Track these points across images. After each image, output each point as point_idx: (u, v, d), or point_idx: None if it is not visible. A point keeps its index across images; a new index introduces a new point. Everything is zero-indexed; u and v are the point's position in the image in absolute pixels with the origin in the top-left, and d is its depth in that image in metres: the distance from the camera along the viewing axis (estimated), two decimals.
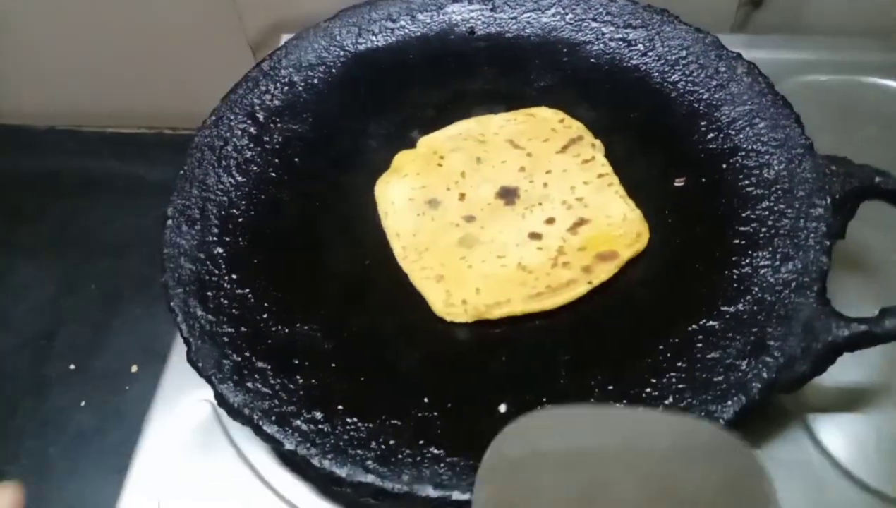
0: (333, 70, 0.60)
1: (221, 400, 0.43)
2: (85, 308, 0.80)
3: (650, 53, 0.58)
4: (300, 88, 0.59)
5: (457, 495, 0.38)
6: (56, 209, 0.88)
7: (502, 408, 0.43)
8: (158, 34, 0.84)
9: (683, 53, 0.57)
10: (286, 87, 0.59)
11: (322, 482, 0.40)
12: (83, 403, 0.73)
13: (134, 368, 0.74)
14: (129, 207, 0.86)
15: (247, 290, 0.48)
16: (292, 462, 0.45)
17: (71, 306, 0.80)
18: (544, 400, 0.42)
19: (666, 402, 0.41)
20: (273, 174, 0.55)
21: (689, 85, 0.56)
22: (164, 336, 0.72)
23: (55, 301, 0.81)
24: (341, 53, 0.61)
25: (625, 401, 0.42)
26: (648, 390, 0.42)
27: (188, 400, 0.50)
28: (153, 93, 0.91)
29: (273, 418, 0.41)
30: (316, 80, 0.60)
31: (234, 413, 0.42)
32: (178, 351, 0.53)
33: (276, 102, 0.58)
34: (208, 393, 0.47)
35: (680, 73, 0.57)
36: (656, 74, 0.57)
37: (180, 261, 0.48)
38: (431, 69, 0.60)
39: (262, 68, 0.59)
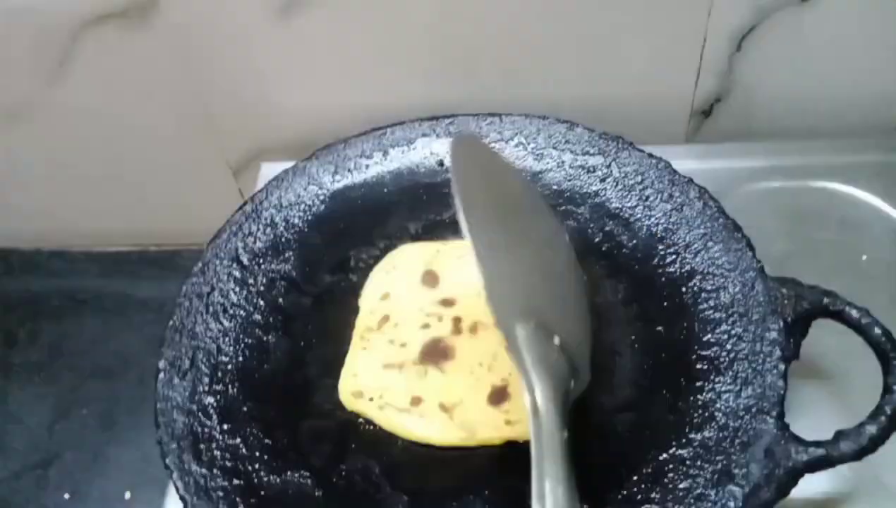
0: (312, 208, 0.64)
1: None
2: (80, 433, 0.81)
3: (608, 179, 0.62)
4: (281, 228, 0.62)
5: None
6: (46, 332, 0.90)
7: None
8: (140, 157, 0.87)
9: (639, 179, 0.61)
10: (268, 228, 0.62)
11: None
12: None
13: (127, 495, 0.75)
14: (118, 327, 0.89)
15: (238, 440, 0.50)
16: None
17: (66, 432, 0.81)
18: None
19: None
20: (258, 317, 0.57)
21: (647, 209, 0.60)
22: (156, 459, 0.74)
23: (50, 427, 0.82)
24: (319, 191, 0.64)
25: None
26: None
27: None
28: (137, 213, 0.94)
29: None
30: (296, 219, 0.63)
31: None
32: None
33: (259, 244, 0.61)
34: None
35: (636, 197, 0.60)
36: (615, 199, 0.61)
37: (173, 415, 0.51)
38: (406, 201, 0.64)
39: (245, 211, 0.62)
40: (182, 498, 0.47)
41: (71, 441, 0.80)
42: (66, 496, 0.76)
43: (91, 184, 0.91)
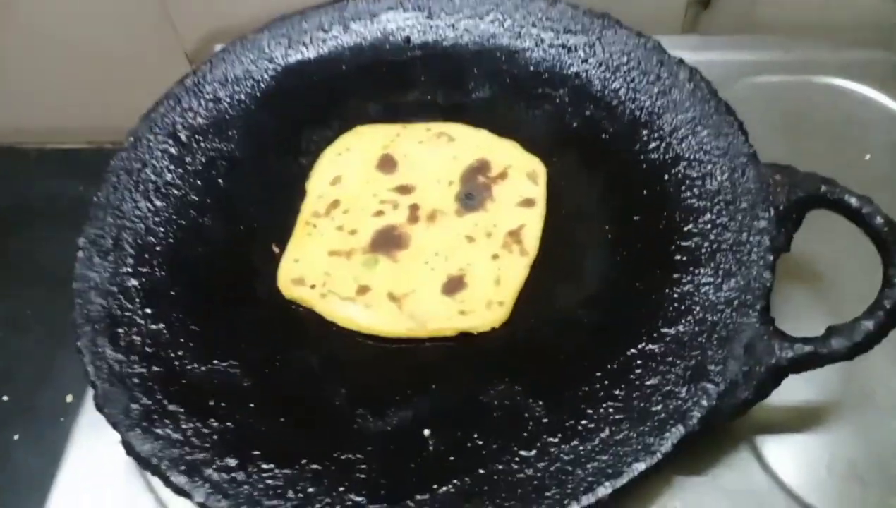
0: (262, 84, 0.57)
1: (129, 448, 0.40)
2: (28, 346, 0.77)
3: (591, 60, 0.56)
4: (226, 104, 0.56)
5: None
6: None
7: (426, 432, 0.41)
8: (93, 46, 0.80)
9: (625, 59, 0.55)
10: (211, 104, 0.56)
11: None
12: (16, 437, 0.70)
13: (69, 398, 0.71)
14: (72, 230, 0.83)
15: (161, 325, 0.45)
16: None
17: (14, 340, 0.77)
18: (475, 436, 0.40)
19: (602, 435, 0.39)
20: (195, 197, 0.52)
21: (631, 92, 0.53)
22: None
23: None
24: (269, 66, 0.58)
25: (559, 435, 0.39)
26: (584, 422, 0.40)
27: (104, 443, 0.47)
28: (92, 107, 0.87)
29: (182, 467, 0.38)
30: (243, 95, 0.57)
31: (143, 462, 0.39)
32: None
33: (200, 120, 0.55)
34: None
35: (621, 80, 0.54)
36: (597, 82, 0.55)
37: (90, 297, 0.45)
38: (366, 80, 0.58)
39: (184, 84, 0.56)
40: (92, 384, 0.42)
41: (19, 354, 0.76)
42: (5, 398, 0.72)
43: (42, 77, 0.84)
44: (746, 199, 0.46)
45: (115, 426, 0.40)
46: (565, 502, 0.36)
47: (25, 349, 0.76)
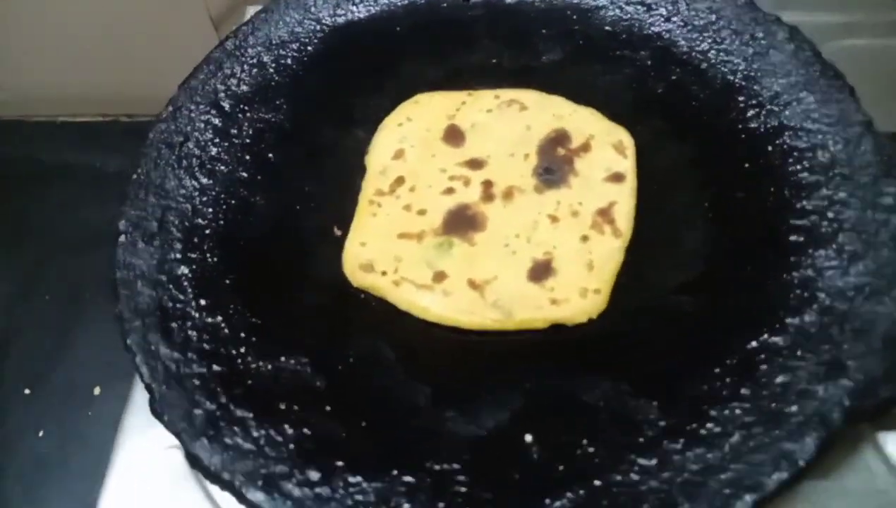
0: (309, 47, 0.52)
1: (195, 460, 0.35)
2: (43, 314, 0.72)
3: (674, 19, 0.50)
4: (271, 70, 0.51)
5: None
6: (7, 204, 0.79)
7: (528, 438, 0.36)
8: (109, 12, 0.74)
9: (713, 18, 0.49)
10: (255, 69, 0.51)
11: None
12: (41, 433, 0.65)
13: (97, 390, 0.66)
14: (88, 201, 0.78)
15: (219, 318, 0.40)
16: None
17: (27, 313, 0.72)
18: (584, 441, 0.36)
19: (731, 440, 0.34)
20: (244, 174, 0.47)
21: (722, 54, 0.48)
22: None
23: (9, 307, 0.72)
24: (317, 27, 0.52)
25: (681, 440, 0.35)
26: (710, 425, 0.35)
27: (156, 444, 0.42)
28: (106, 78, 0.81)
29: (259, 482, 0.34)
30: (289, 60, 0.51)
31: (212, 477, 0.35)
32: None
33: (244, 87, 0.50)
34: None
35: (710, 41, 0.49)
36: (683, 43, 0.50)
37: (137, 286, 0.41)
38: (423, 42, 0.52)
39: (225, 48, 0.51)
40: (148, 387, 0.37)
41: (32, 323, 0.71)
42: (27, 391, 0.67)
43: (55, 46, 0.78)
44: (866, 173, 0.41)
45: (178, 436, 0.36)
46: None
47: (39, 320, 0.71)
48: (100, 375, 0.67)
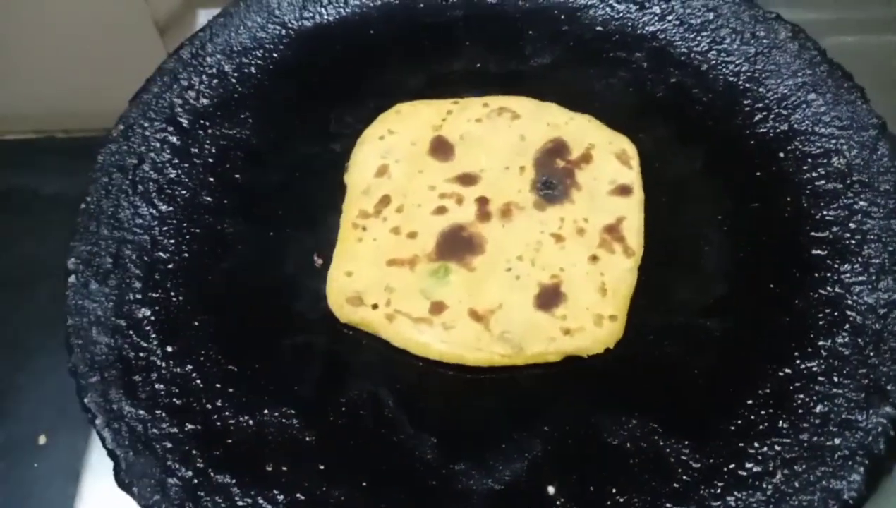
0: (275, 54, 0.47)
1: None
2: None
3: (669, 17, 0.47)
4: (233, 80, 0.46)
5: None
6: None
7: (550, 490, 0.32)
8: (41, 17, 0.68)
9: (710, 16, 0.47)
10: (215, 80, 0.45)
11: None
12: None
13: (42, 439, 0.60)
14: (24, 229, 0.71)
15: (189, 367, 0.35)
16: None
17: None
18: (613, 490, 0.32)
19: (774, 480, 0.31)
20: (208, 198, 0.42)
21: (723, 55, 0.46)
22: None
23: None
24: (283, 32, 0.48)
25: (719, 484, 0.32)
26: (749, 465, 0.32)
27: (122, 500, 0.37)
28: (39, 90, 0.74)
29: None
30: (253, 68, 0.47)
31: None
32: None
33: (204, 101, 0.45)
34: None
35: (709, 41, 0.46)
36: (680, 43, 0.47)
37: (92, 334, 0.35)
38: (400, 47, 0.48)
39: (180, 57, 0.45)
40: (111, 454, 0.32)
41: None
42: None
43: None
44: (886, 179, 0.39)
45: None
46: None
47: None
48: (45, 423, 0.61)
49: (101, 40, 0.69)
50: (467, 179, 0.42)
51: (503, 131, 0.44)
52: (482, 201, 0.41)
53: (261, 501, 0.31)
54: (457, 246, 0.40)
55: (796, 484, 0.31)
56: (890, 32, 0.55)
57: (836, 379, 0.34)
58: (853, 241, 0.38)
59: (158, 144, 0.42)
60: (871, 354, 0.34)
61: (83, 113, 0.71)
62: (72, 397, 0.60)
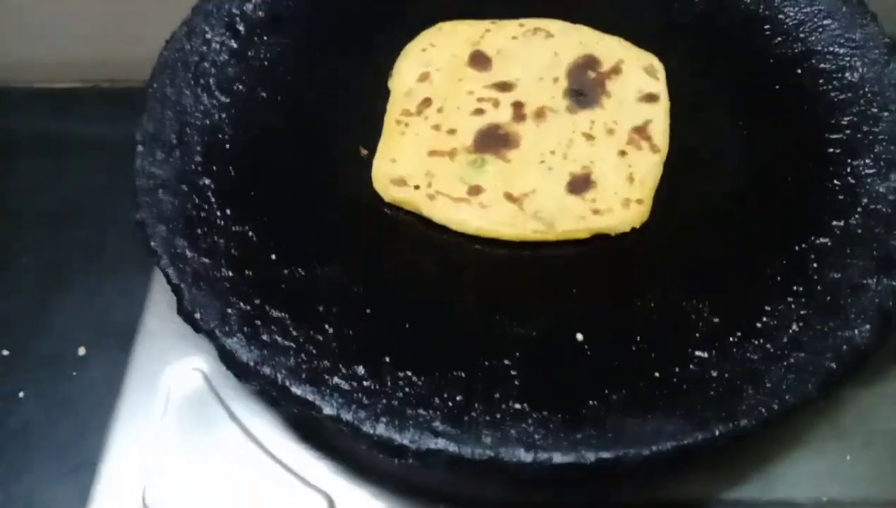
0: None
1: (230, 359, 0.33)
2: (20, 284, 0.67)
3: None
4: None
5: (558, 458, 0.30)
6: None
7: (579, 337, 0.35)
8: None
9: None
10: None
11: (376, 449, 0.31)
12: (21, 394, 0.61)
13: (82, 350, 0.62)
14: (67, 171, 0.74)
15: (246, 227, 0.38)
16: (316, 435, 0.36)
17: (3, 283, 0.68)
18: (638, 338, 0.34)
19: (791, 331, 0.34)
20: (263, 94, 0.45)
21: None
22: (116, 313, 0.61)
23: None
24: None
25: (738, 335, 0.34)
26: (765, 319, 0.34)
27: (171, 370, 0.40)
28: (84, 41, 0.78)
29: (303, 376, 0.32)
30: None
31: (250, 374, 0.32)
32: (153, 315, 0.43)
33: (260, 13, 0.48)
34: (196, 360, 0.38)
35: None
36: None
37: (158, 195, 0.38)
38: None
39: None
40: (175, 289, 0.35)
41: (9, 292, 0.66)
42: (5, 352, 0.63)
43: (26, 9, 0.75)
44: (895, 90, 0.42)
45: (209, 334, 0.33)
46: (771, 403, 0.31)
47: (16, 289, 0.67)
48: (84, 336, 0.64)
49: None
50: (504, 87, 0.45)
51: (538, 47, 0.47)
52: (517, 105, 0.44)
53: (312, 332, 0.34)
54: (493, 141, 0.43)
55: (811, 333, 0.33)
56: None
57: (848, 251, 0.36)
58: (865, 141, 0.41)
59: (218, 46, 0.46)
60: (882, 232, 0.37)
61: (126, 62, 0.75)
62: (109, 315, 0.62)
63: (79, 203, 0.70)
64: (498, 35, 0.48)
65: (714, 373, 0.33)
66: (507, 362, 0.33)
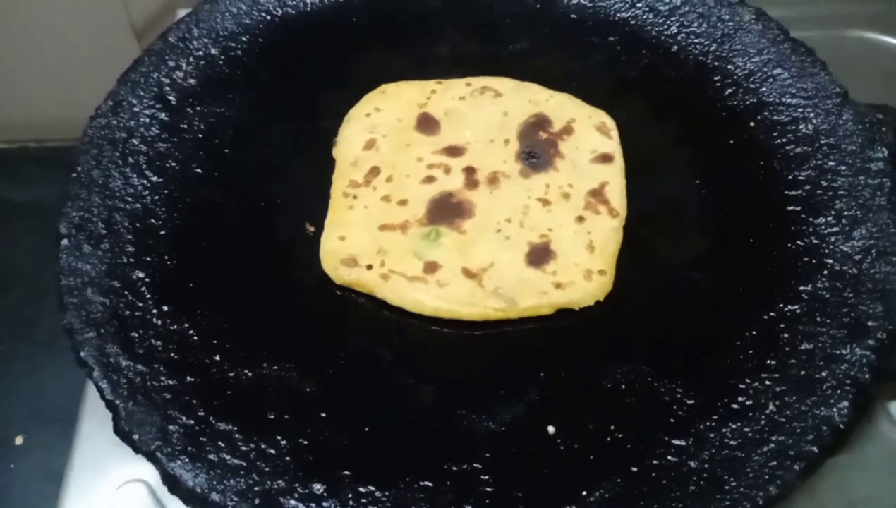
0: (260, 39, 0.48)
1: (173, 483, 0.30)
2: None
3: (639, 4, 0.50)
4: (221, 63, 0.47)
5: None
6: None
7: (550, 429, 0.33)
8: (15, 23, 0.67)
9: (678, 2, 0.49)
10: (202, 62, 0.46)
11: None
12: None
13: (19, 440, 0.58)
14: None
15: (186, 324, 0.35)
16: None
17: None
18: (612, 428, 0.33)
19: (767, 411, 0.32)
20: (199, 170, 0.42)
21: (692, 37, 0.48)
22: (55, 394, 0.57)
23: None
24: (267, 18, 0.49)
25: (713, 419, 0.33)
26: (741, 399, 0.33)
27: (110, 482, 0.36)
28: (12, 100, 0.74)
29: (256, 500, 0.29)
30: (239, 52, 0.47)
31: (197, 500, 0.29)
32: (90, 414, 0.39)
33: (192, 81, 0.45)
34: (139, 469, 0.35)
35: (677, 25, 0.49)
36: (650, 27, 0.49)
37: (86, 294, 0.35)
38: (384, 33, 0.49)
39: (167, 40, 0.46)
40: (110, 405, 0.32)
41: None
42: None
43: None
44: (852, 141, 0.41)
45: (150, 456, 0.30)
46: (755, 496, 0.29)
47: None
48: (21, 424, 0.59)
49: (78, 48, 0.69)
50: (454, 151, 0.44)
51: (487, 108, 0.46)
52: (469, 170, 0.43)
53: (263, 446, 0.31)
54: (447, 211, 0.41)
55: (788, 413, 0.32)
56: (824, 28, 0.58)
57: (818, 319, 0.35)
58: (825, 197, 0.40)
59: (147, 120, 0.43)
60: (850, 296, 0.36)
61: (57, 121, 0.71)
62: (46, 398, 0.59)
63: (9, 272, 0.66)
64: (444, 96, 0.46)
65: (693, 464, 0.31)
66: (476, 465, 0.31)
